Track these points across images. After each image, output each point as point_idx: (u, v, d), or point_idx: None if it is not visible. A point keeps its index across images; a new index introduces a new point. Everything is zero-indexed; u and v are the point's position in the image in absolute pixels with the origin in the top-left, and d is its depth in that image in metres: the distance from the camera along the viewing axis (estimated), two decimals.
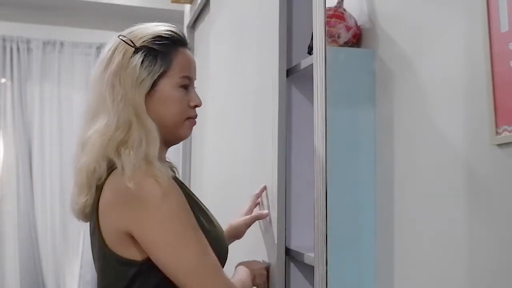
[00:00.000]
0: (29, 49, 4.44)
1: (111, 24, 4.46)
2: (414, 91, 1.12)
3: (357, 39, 1.30)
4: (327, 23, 1.24)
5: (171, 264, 1.09)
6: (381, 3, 1.25)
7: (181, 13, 3.33)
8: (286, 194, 1.56)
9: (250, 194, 1.63)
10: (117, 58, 1.15)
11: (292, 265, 1.54)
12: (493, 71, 0.89)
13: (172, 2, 3.04)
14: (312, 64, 1.26)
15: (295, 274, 1.55)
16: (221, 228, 1.28)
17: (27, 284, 4.18)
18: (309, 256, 1.35)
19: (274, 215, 1.55)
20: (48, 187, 4.32)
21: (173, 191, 1.09)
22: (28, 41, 4.43)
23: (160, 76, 1.16)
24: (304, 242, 1.52)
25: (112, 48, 1.18)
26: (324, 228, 1.16)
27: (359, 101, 1.25)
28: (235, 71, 2.08)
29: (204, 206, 1.27)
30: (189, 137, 3.32)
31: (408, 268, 1.12)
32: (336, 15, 1.29)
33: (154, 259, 1.10)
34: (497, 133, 0.88)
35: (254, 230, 1.64)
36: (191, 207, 1.14)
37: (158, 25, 1.21)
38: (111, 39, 1.20)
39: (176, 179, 1.19)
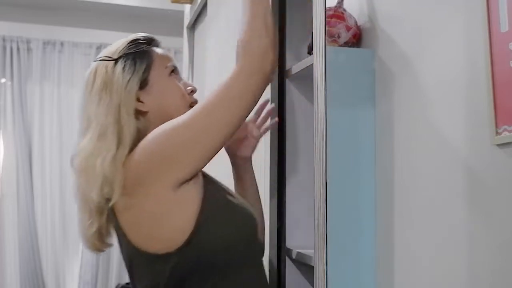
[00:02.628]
0: (29, 49, 4.44)
1: (112, 24, 4.47)
2: (414, 91, 1.12)
3: (357, 39, 1.30)
4: (327, 23, 1.24)
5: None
6: (381, 3, 1.25)
7: (181, 13, 3.33)
8: (285, 193, 1.57)
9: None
10: (101, 75, 1.21)
11: (291, 264, 1.54)
12: (493, 71, 0.89)
13: (172, 2, 3.04)
14: (312, 64, 1.26)
15: (294, 273, 1.55)
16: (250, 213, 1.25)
17: (27, 284, 4.18)
18: (309, 256, 1.35)
19: (267, 213, 1.56)
20: (48, 187, 4.33)
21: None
22: (28, 41, 4.43)
23: (147, 71, 1.23)
24: (303, 241, 1.52)
25: (93, 71, 1.23)
26: (324, 228, 1.16)
27: (359, 101, 1.25)
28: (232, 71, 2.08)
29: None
30: None
31: (408, 267, 1.12)
32: (336, 15, 1.29)
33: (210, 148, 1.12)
34: (497, 133, 0.88)
35: None
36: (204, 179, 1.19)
37: (127, 37, 1.28)
38: (90, 67, 1.26)
39: None
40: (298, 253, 1.45)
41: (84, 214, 1.19)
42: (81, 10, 4.48)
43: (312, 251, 1.23)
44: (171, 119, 1.20)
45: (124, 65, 1.21)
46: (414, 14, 1.14)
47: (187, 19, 3.20)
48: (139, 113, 1.20)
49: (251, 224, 1.21)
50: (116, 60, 1.22)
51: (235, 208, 1.20)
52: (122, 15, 4.49)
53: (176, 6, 3.25)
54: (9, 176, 4.32)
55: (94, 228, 1.18)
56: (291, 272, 1.55)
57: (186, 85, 1.29)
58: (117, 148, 1.14)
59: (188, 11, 3.18)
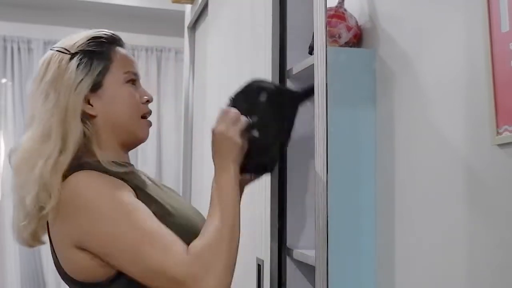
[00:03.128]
0: (29, 49, 4.44)
1: (112, 24, 4.46)
2: (414, 91, 1.13)
3: (357, 39, 1.30)
4: (328, 23, 1.24)
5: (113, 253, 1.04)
6: (381, 3, 1.25)
7: (182, 13, 3.33)
8: (285, 193, 1.57)
9: None
10: (53, 68, 1.13)
11: (292, 264, 1.54)
12: (494, 71, 0.89)
13: (173, 2, 3.04)
14: (313, 64, 1.26)
15: (295, 273, 1.55)
16: (188, 221, 1.17)
17: (28, 283, 4.18)
18: (310, 256, 1.35)
19: (268, 213, 1.56)
20: None
21: (86, 187, 1.07)
22: (29, 41, 4.44)
23: (103, 74, 1.15)
24: (304, 241, 1.52)
25: (46, 61, 1.16)
26: (324, 228, 1.16)
27: (360, 101, 1.25)
28: (233, 71, 2.08)
29: (170, 198, 1.20)
30: (190, 136, 3.32)
31: (409, 267, 1.12)
32: (337, 15, 1.29)
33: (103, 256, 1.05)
34: (497, 133, 0.88)
35: (249, 227, 1.64)
36: (138, 198, 1.09)
37: (90, 30, 1.21)
38: (45, 55, 1.19)
39: (125, 174, 1.14)
40: (299, 253, 1.45)
41: (19, 214, 1.12)
42: (81, 10, 4.48)
43: (313, 251, 1.23)
44: (119, 126, 1.16)
45: (79, 63, 1.13)
46: (414, 14, 1.14)
47: (188, 19, 3.20)
48: (86, 116, 1.13)
49: (190, 234, 1.12)
50: (72, 55, 1.14)
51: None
52: (123, 15, 4.49)
53: (177, 6, 3.25)
54: (10, 176, 4.32)
55: (29, 231, 1.12)
56: (292, 272, 1.55)
57: (143, 94, 1.21)
58: (60, 153, 1.07)
59: (189, 11, 3.19)
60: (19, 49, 4.41)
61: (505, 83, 0.87)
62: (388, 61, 1.21)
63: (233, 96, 1.23)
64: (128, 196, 1.07)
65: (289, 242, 1.54)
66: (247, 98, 1.21)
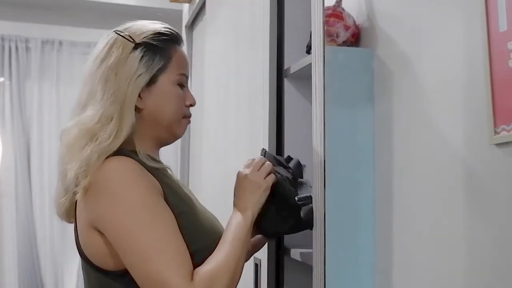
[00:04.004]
0: (27, 48, 4.44)
1: (110, 23, 4.44)
2: (413, 90, 1.12)
3: (355, 38, 1.30)
4: (325, 23, 1.24)
5: (126, 250, 1.05)
6: (379, 2, 1.25)
7: (180, 12, 3.33)
8: None
9: None
10: (115, 54, 1.15)
11: (289, 264, 1.54)
12: (492, 70, 0.89)
13: (171, 1, 3.05)
14: (310, 64, 1.26)
15: (292, 272, 1.55)
16: (211, 222, 1.21)
17: (26, 283, 4.18)
18: (308, 255, 1.35)
19: None
20: (47, 186, 4.32)
21: (123, 180, 1.09)
22: (26, 40, 4.43)
23: (159, 72, 1.17)
24: (302, 240, 1.52)
25: (109, 44, 1.17)
26: (322, 228, 1.16)
27: (358, 101, 1.25)
28: (231, 70, 2.08)
29: (194, 200, 1.24)
30: (188, 135, 3.33)
31: (407, 267, 1.12)
32: (334, 14, 1.29)
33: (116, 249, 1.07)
34: (495, 132, 0.88)
35: None
36: (166, 196, 1.12)
37: (155, 23, 1.22)
38: (106, 35, 1.20)
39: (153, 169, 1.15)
40: (296, 252, 1.45)
41: (60, 189, 1.16)
42: (79, 9, 4.48)
43: (311, 250, 1.23)
44: (160, 123, 1.18)
45: (143, 56, 1.15)
46: (413, 14, 1.14)
47: (185, 18, 3.20)
48: (135, 108, 1.15)
49: (212, 234, 1.16)
50: (136, 45, 1.16)
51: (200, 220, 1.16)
52: (121, 14, 4.47)
53: (175, 6, 3.26)
54: (8, 176, 4.32)
55: (64, 207, 1.16)
56: (289, 272, 1.55)
57: (188, 97, 1.24)
58: (113, 139, 1.10)
59: (186, 10, 3.19)
60: (17, 48, 4.41)
61: (503, 83, 0.87)
62: (386, 61, 1.21)
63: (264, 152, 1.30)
64: (157, 197, 1.10)
65: (286, 241, 1.54)
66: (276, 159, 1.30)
